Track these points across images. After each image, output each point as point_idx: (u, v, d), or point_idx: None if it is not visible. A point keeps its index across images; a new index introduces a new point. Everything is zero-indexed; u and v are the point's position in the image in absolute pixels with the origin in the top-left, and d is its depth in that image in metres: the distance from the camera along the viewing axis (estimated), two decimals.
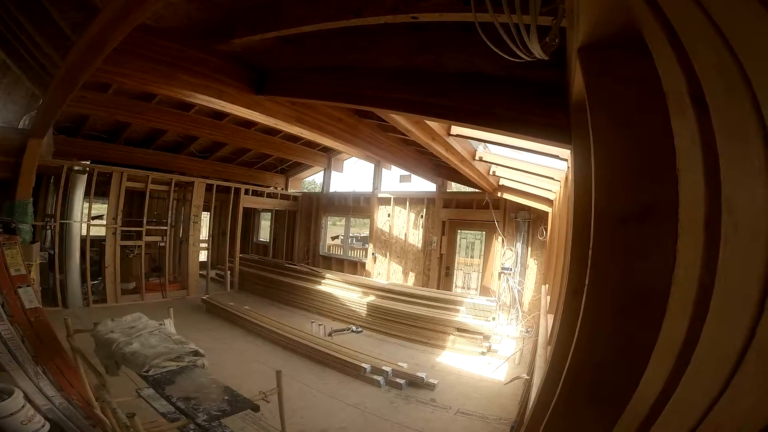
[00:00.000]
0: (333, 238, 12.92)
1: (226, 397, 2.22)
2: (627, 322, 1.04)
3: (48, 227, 7.61)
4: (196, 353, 2.55)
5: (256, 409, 2.22)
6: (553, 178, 5.50)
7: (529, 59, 1.62)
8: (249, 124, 8.99)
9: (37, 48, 3.80)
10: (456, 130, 4.54)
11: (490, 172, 6.81)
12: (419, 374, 5.21)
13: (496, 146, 5.63)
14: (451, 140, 4.65)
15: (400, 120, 3.78)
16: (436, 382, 5.16)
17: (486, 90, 2.70)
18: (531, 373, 3.53)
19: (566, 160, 4.01)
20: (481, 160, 5.78)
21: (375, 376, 5.20)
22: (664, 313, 0.83)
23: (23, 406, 2.91)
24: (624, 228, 1.07)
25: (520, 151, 4.61)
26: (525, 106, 2.55)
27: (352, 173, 12.27)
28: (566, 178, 4.67)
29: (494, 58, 2.57)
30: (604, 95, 1.23)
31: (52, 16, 3.17)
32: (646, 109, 1.11)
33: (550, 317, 4.53)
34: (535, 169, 5.65)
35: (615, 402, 1.02)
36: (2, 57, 4.71)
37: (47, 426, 3.02)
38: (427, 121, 3.99)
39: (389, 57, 3.23)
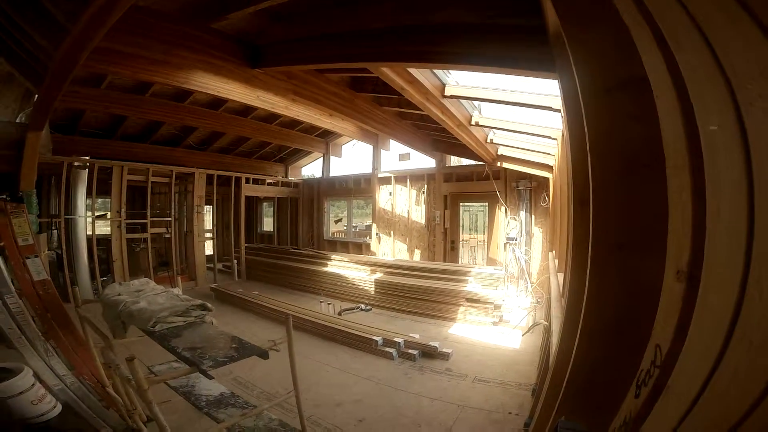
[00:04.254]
0: (336, 221, 12.95)
1: (233, 345, 2.21)
2: (633, 186, 1.06)
3: (54, 227, 7.66)
4: (203, 307, 2.53)
5: (264, 355, 2.19)
6: (549, 137, 5.47)
7: None
8: (245, 112, 8.97)
9: (30, 41, 3.79)
10: (450, 90, 4.53)
11: (488, 140, 6.78)
12: (432, 344, 5.20)
13: (491, 107, 5.62)
14: (446, 102, 4.64)
15: (395, 78, 3.77)
16: (450, 351, 5.14)
17: (473, 37, 2.81)
18: (548, 321, 3.53)
19: (559, 110, 3.98)
20: (477, 124, 5.75)
21: (387, 349, 5.19)
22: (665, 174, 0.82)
23: (33, 385, 2.84)
24: (609, 95, 1.10)
25: (514, 107, 4.57)
26: (512, 46, 2.69)
27: (350, 158, 12.31)
28: (562, 135, 4.64)
29: (477, 8, 2.73)
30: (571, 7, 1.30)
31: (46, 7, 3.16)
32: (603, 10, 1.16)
33: (560, 276, 4.53)
34: (531, 129, 5.62)
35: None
36: None
37: (59, 407, 2.96)
38: (419, 76, 3.98)
39: (378, 20, 3.29)
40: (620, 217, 1.10)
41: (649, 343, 0.68)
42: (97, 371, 3.25)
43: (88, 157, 7.76)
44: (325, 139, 11.95)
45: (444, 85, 4.54)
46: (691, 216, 0.61)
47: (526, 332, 5.42)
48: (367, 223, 12.21)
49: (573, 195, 1.46)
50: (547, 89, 4.22)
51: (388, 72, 3.68)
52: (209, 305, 2.64)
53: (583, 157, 1.27)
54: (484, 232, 9.35)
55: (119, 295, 2.60)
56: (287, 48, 4.02)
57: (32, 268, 3.15)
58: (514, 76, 2.97)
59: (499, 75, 3.20)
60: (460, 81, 4.59)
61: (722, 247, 0.52)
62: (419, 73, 3.96)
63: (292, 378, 2.59)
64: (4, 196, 3.40)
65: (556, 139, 5.35)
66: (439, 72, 4.39)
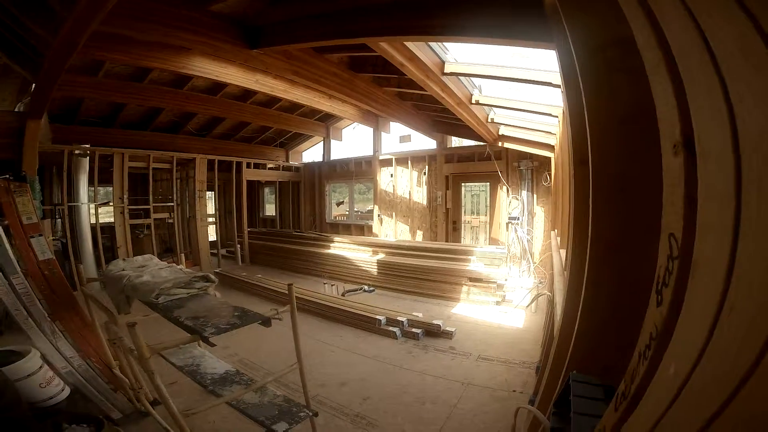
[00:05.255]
0: (338, 204, 12.95)
1: (236, 314, 2.22)
2: (629, 138, 1.07)
3: (57, 216, 7.70)
4: (206, 279, 2.53)
5: (266, 323, 2.19)
6: (551, 114, 5.43)
7: None
8: (244, 97, 8.92)
9: (27, 31, 3.79)
10: (449, 68, 4.50)
11: (489, 119, 6.74)
12: (435, 322, 5.24)
13: (491, 87, 5.60)
14: (445, 80, 4.61)
15: (395, 54, 3.76)
16: (453, 330, 5.17)
17: (471, 8, 2.80)
18: (552, 292, 3.55)
19: (559, 86, 3.94)
20: (477, 103, 5.71)
21: (391, 328, 5.23)
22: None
23: (40, 368, 2.80)
24: (604, 52, 1.13)
25: (514, 84, 4.54)
26: (509, 17, 2.70)
27: (351, 141, 12.21)
28: (563, 112, 4.60)
29: None
30: None
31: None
32: None
33: (562, 252, 4.53)
34: (532, 107, 5.58)
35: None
36: None
37: (67, 390, 2.92)
38: (419, 53, 3.96)
39: None
40: (617, 172, 1.11)
41: (661, 237, 0.66)
42: (103, 353, 3.23)
43: (88, 145, 7.75)
44: (325, 123, 11.88)
45: (443, 63, 4.51)
46: (672, 91, 0.60)
47: (530, 304, 5.47)
48: (369, 208, 12.19)
49: (573, 157, 1.47)
50: (547, 66, 4.19)
51: (387, 48, 3.65)
52: (212, 276, 2.63)
53: (581, 120, 1.28)
54: (486, 213, 9.35)
55: (123, 270, 2.59)
56: (286, 28, 4.01)
57: (37, 247, 3.12)
58: (513, 47, 2.96)
59: (498, 54, 3.22)
60: (459, 59, 4.56)
61: (706, 108, 0.52)
62: (418, 49, 3.94)
63: (295, 349, 2.56)
64: (7, 176, 3.39)
65: (557, 117, 5.32)
66: (437, 50, 4.35)
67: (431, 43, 4.18)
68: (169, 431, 2.61)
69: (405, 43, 3.70)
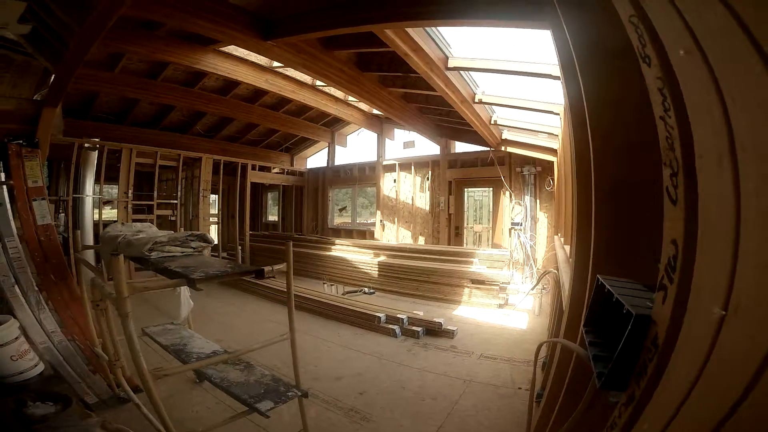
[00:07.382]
0: (341, 210, 12.95)
1: (229, 265, 2.20)
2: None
3: (61, 210, 7.75)
4: (203, 238, 2.50)
5: (259, 274, 2.15)
6: (552, 112, 5.48)
7: None
8: (253, 98, 9.08)
9: (53, 19, 3.91)
10: (453, 62, 4.60)
11: (492, 121, 6.78)
12: (436, 320, 5.18)
13: (494, 87, 5.68)
14: (449, 75, 4.70)
15: (400, 44, 3.89)
16: (454, 329, 5.11)
17: None
18: (557, 271, 3.54)
19: (559, 77, 4.00)
20: (480, 102, 5.77)
21: (390, 326, 5.17)
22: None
23: (16, 338, 2.65)
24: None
25: (516, 82, 4.61)
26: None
27: (355, 148, 12.31)
28: (564, 108, 4.63)
29: None
30: None
31: None
32: None
33: (567, 248, 4.51)
34: (534, 105, 5.63)
35: None
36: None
37: (41, 366, 2.78)
38: (423, 45, 4.07)
39: None
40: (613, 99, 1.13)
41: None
42: (87, 328, 3.12)
43: (98, 139, 7.84)
44: (330, 129, 12.00)
45: (447, 58, 4.62)
46: None
47: (536, 285, 5.44)
48: (371, 220, 12.21)
49: (572, 120, 1.49)
50: (547, 59, 4.25)
51: (392, 37, 3.77)
52: (209, 237, 2.59)
53: (577, 90, 1.30)
54: (488, 220, 9.33)
55: (120, 231, 2.55)
56: (297, 20, 4.22)
57: (38, 210, 3.10)
58: (508, 28, 3.03)
59: (500, 52, 3.32)
60: (461, 55, 4.67)
61: None
62: (422, 41, 4.04)
63: (288, 318, 2.49)
64: (21, 141, 3.42)
65: (558, 114, 5.35)
66: (441, 45, 4.45)
67: (435, 38, 4.29)
68: (141, 408, 2.46)
69: (408, 31, 3.81)
